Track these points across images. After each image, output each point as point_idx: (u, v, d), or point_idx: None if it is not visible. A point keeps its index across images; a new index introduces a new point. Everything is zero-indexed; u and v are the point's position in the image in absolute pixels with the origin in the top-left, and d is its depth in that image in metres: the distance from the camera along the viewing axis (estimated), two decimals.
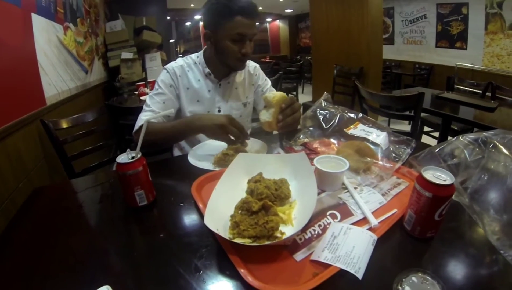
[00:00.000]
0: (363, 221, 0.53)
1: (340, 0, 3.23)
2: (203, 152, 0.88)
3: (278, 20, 9.61)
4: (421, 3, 4.76)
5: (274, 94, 0.81)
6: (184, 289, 0.41)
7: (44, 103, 1.39)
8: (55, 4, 1.68)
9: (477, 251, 0.48)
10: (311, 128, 0.90)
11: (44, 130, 1.12)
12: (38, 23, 1.42)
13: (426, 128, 2.42)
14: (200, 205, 0.58)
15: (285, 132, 0.97)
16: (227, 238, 0.45)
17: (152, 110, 0.96)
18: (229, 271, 0.43)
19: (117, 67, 2.83)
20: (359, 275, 0.40)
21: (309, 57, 5.97)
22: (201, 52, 1.05)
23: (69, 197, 0.72)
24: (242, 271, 0.41)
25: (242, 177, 0.62)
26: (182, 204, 0.63)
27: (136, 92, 2.34)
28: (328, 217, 0.53)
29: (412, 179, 0.66)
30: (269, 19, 9.56)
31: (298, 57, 7.93)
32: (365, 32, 3.06)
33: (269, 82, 1.19)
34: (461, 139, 0.59)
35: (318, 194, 0.58)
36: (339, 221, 0.53)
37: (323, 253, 0.44)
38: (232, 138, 0.81)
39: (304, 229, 0.49)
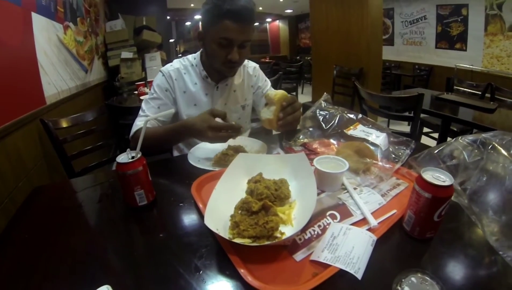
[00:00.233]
0: (363, 221, 0.53)
1: (340, 1, 3.23)
2: (203, 152, 0.88)
3: (278, 21, 9.62)
4: (421, 4, 4.76)
5: (276, 92, 0.81)
6: (184, 289, 0.41)
7: (44, 102, 1.39)
8: (55, 3, 1.68)
9: (476, 252, 0.48)
10: (310, 129, 0.91)
11: (43, 129, 1.12)
12: (38, 22, 1.42)
13: (425, 129, 2.43)
14: (200, 205, 0.58)
15: (285, 132, 0.98)
16: (227, 238, 0.45)
17: (147, 116, 0.94)
18: (229, 271, 0.43)
19: (117, 67, 2.83)
20: (359, 275, 0.40)
21: (309, 58, 5.98)
22: (198, 53, 1.03)
23: (69, 197, 0.72)
24: (242, 271, 0.41)
25: (242, 177, 0.62)
26: (182, 204, 0.63)
27: (136, 92, 2.34)
28: (328, 217, 0.53)
29: (412, 180, 0.66)
30: (269, 20, 9.57)
31: (298, 57, 7.93)
32: (365, 33, 3.06)
33: (269, 83, 1.17)
34: (460, 141, 0.59)
35: (318, 194, 0.58)
36: (339, 221, 0.53)
37: (322, 253, 0.44)
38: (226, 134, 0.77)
39: (304, 230, 0.49)
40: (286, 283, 0.42)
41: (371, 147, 0.74)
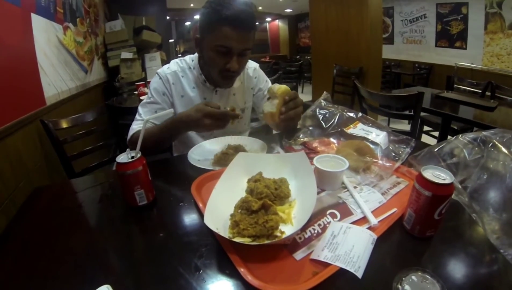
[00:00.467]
0: (363, 220, 0.53)
1: (339, 0, 3.23)
2: (203, 152, 0.88)
3: (277, 20, 9.61)
4: (421, 3, 4.76)
5: (279, 86, 0.81)
6: (184, 288, 0.41)
7: (44, 103, 1.39)
8: (54, 4, 1.68)
9: (477, 250, 0.48)
10: (310, 128, 0.91)
11: (44, 130, 1.13)
12: (38, 23, 1.42)
13: (425, 128, 2.43)
14: (200, 205, 0.58)
15: (285, 131, 0.97)
16: (226, 237, 0.45)
17: (143, 120, 0.92)
18: (229, 270, 0.43)
19: (116, 67, 2.83)
20: (359, 274, 0.40)
21: (308, 57, 5.97)
22: (196, 55, 0.98)
23: (69, 197, 0.72)
24: (242, 270, 0.41)
25: (241, 177, 0.62)
26: (181, 204, 0.63)
27: (136, 92, 2.34)
28: (328, 216, 0.53)
29: (412, 178, 0.66)
30: (268, 19, 9.56)
31: (297, 56, 7.93)
32: (364, 32, 3.06)
33: (270, 84, 1.15)
34: (461, 139, 0.59)
35: (318, 193, 0.58)
36: (339, 220, 0.53)
37: (323, 252, 0.44)
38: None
39: (303, 228, 0.49)
40: (286, 282, 0.41)
41: (371, 146, 0.74)
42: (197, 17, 8.04)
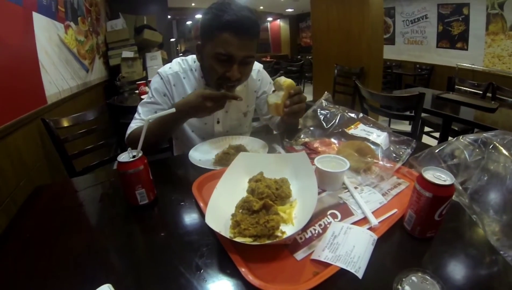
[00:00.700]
0: (364, 220, 0.53)
1: (340, 0, 3.23)
2: (204, 151, 0.88)
3: (279, 20, 9.61)
4: (422, 3, 4.75)
5: (285, 79, 0.81)
6: (185, 288, 0.41)
7: (45, 101, 1.39)
8: (56, 2, 1.68)
9: (477, 251, 0.48)
10: (311, 128, 0.91)
11: (45, 128, 1.13)
12: (39, 21, 1.42)
13: (426, 128, 2.43)
14: (201, 204, 0.58)
15: (285, 130, 0.97)
16: (228, 237, 0.46)
17: (142, 119, 0.91)
18: (230, 270, 0.43)
19: (118, 66, 2.84)
20: (359, 275, 0.40)
21: (309, 57, 5.97)
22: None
23: (70, 196, 0.72)
24: (242, 270, 0.41)
25: (243, 176, 0.62)
26: (182, 203, 0.63)
27: (137, 91, 2.35)
28: (329, 216, 0.53)
29: (412, 179, 0.66)
30: (270, 19, 9.55)
31: (298, 56, 7.93)
32: (365, 32, 3.06)
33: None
34: (461, 140, 0.59)
35: (319, 193, 0.58)
36: (340, 220, 0.53)
37: (323, 253, 0.44)
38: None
39: (304, 229, 0.49)
40: (286, 282, 0.42)
41: (372, 147, 0.74)
42: (198, 16, 8.06)
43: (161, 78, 0.94)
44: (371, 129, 0.81)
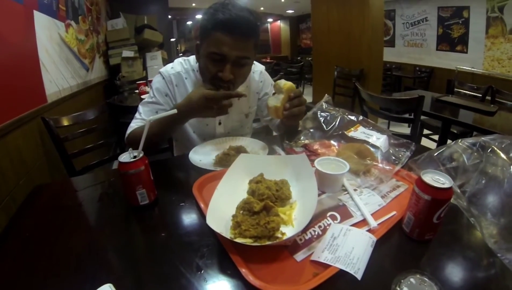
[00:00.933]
0: (363, 222, 0.53)
1: (341, 2, 3.24)
2: (204, 152, 0.88)
3: (279, 21, 9.62)
4: (422, 6, 4.77)
5: (285, 82, 0.81)
6: (185, 288, 0.42)
7: (45, 100, 1.39)
8: (57, 1, 1.68)
9: (475, 254, 0.48)
10: (311, 130, 0.91)
11: (45, 127, 1.13)
12: (40, 20, 1.42)
13: (425, 131, 2.43)
14: (201, 205, 0.58)
15: (285, 132, 0.98)
16: (228, 237, 0.46)
17: (143, 119, 0.90)
18: (230, 271, 0.43)
19: (118, 66, 2.84)
20: (358, 276, 0.40)
21: (309, 58, 5.98)
22: None
23: (70, 195, 0.72)
24: (243, 270, 0.41)
25: (243, 178, 0.63)
26: (183, 204, 0.63)
27: (137, 91, 2.34)
28: (328, 218, 0.54)
29: (411, 182, 0.66)
30: (270, 20, 9.57)
31: (298, 58, 7.93)
32: (366, 34, 3.07)
33: None
34: (460, 143, 0.60)
35: (319, 195, 0.58)
36: (339, 222, 0.53)
37: (323, 254, 0.45)
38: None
39: (304, 230, 0.50)
40: (286, 282, 0.42)
41: (372, 149, 0.74)
42: (198, 16, 8.06)
43: (163, 78, 0.93)
44: (371, 132, 0.82)
